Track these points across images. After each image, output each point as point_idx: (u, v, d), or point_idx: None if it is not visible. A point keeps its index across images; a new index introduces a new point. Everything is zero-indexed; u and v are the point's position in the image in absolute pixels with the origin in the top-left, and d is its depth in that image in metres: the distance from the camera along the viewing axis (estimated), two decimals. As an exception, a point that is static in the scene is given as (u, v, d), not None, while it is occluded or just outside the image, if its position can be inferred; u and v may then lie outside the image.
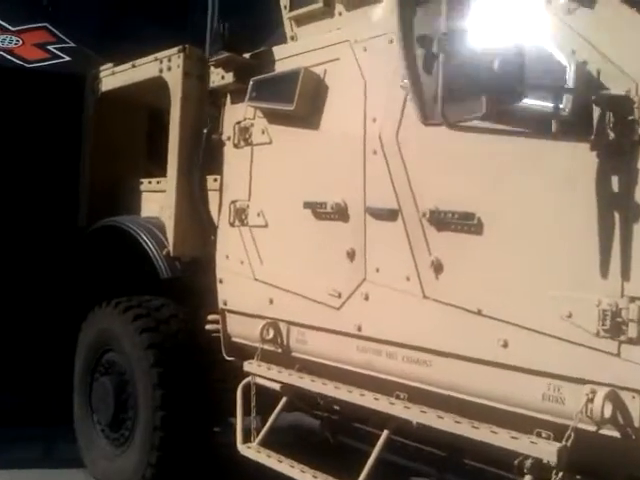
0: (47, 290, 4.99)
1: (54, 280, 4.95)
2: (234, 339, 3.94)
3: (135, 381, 4.13)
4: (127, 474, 4.09)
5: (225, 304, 3.92)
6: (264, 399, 3.69)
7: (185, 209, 4.05)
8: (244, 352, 3.92)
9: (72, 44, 5.94)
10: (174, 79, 4.11)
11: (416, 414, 2.85)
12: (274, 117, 3.64)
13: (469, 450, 2.97)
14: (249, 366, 3.55)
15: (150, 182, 4.73)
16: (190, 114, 4.05)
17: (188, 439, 3.94)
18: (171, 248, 4.04)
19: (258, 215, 3.71)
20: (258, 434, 3.45)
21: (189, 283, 4.19)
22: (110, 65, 4.73)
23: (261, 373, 3.48)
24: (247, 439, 3.45)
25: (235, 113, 3.91)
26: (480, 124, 2.39)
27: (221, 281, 3.95)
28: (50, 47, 5.90)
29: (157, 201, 4.50)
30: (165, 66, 4.17)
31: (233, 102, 3.95)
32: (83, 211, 4.95)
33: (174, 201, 4.03)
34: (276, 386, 3.59)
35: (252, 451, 3.32)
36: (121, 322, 4.23)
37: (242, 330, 3.83)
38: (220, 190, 4.01)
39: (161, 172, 5.11)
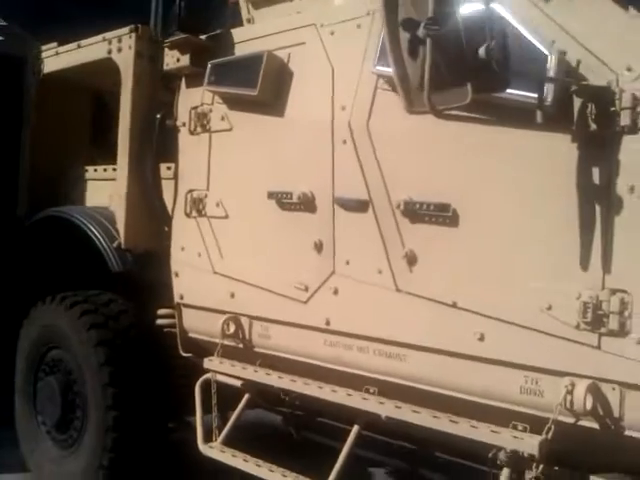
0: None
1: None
2: (191, 335, 3.77)
3: (84, 380, 3.91)
4: (76, 477, 3.89)
5: (181, 298, 3.75)
6: (222, 396, 3.57)
7: (137, 199, 3.84)
8: (201, 348, 3.77)
9: (3, 23, 5.58)
10: (125, 61, 3.88)
11: (391, 409, 2.78)
12: (235, 103, 3.48)
13: (438, 443, 2.95)
14: (210, 363, 3.40)
15: (96, 170, 4.48)
16: (142, 98, 3.84)
17: (142, 439, 3.77)
18: (122, 240, 3.83)
19: (217, 205, 3.55)
20: (220, 433, 3.33)
21: (139, 277, 4.00)
22: (54, 45, 4.43)
23: (224, 370, 3.34)
24: (209, 438, 3.31)
25: (191, 98, 3.72)
26: (463, 112, 2.33)
27: (177, 274, 3.77)
28: None
29: (105, 190, 4.26)
30: (115, 47, 3.94)
31: (188, 86, 3.76)
32: (23, 200, 4.65)
33: (125, 190, 3.82)
34: (237, 383, 3.47)
35: (215, 451, 3.19)
36: (67, 318, 3.99)
37: (200, 325, 3.68)
38: (175, 179, 3.82)
39: (106, 159, 4.89)
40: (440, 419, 2.54)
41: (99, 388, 3.77)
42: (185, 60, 3.66)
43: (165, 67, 3.79)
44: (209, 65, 3.51)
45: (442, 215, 2.62)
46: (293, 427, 3.46)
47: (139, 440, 3.76)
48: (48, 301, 4.19)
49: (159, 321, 4.09)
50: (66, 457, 4.02)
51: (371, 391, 2.93)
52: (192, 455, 3.46)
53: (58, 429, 4.07)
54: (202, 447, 3.26)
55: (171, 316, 4.11)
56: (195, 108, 3.69)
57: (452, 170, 2.61)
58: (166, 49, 3.76)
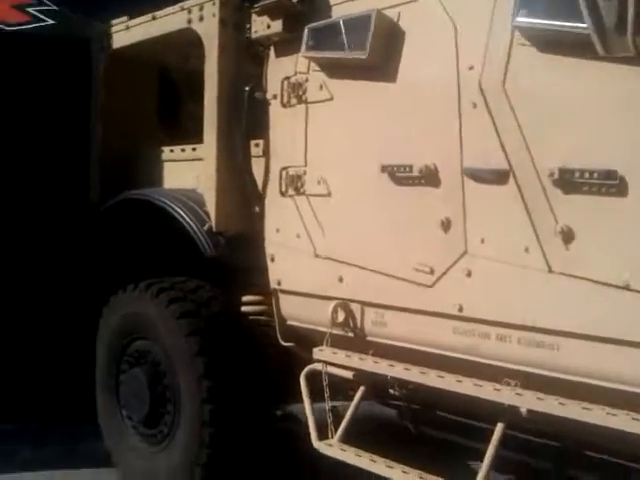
0: (60, 274, 4.47)
1: (68, 262, 4.43)
2: (290, 322, 3.52)
3: (174, 372, 3.68)
4: (172, 475, 3.67)
5: (278, 284, 3.49)
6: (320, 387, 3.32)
7: (227, 178, 3.58)
8: (300, 336, 3.53)
9: (53, 6, 5.34)
10: (209, 30, 3.59)
11: (533, 401, 2.50)
12: (336, 69, 3.18)
13: (587, 441, 2.66)
14: (321, 354, 3.14)
15: (172, 150, 4.22)
16: (229, 70, 3.55)
17: (241, 434, 3.54)
18: (213, 223, 3.57)
19: (318, 183, 3.27)
20: (335, 428, 3.07)
21: (229, 261, 3.75)
22: (124, 19, 4.16)
23: (338, 361, 3.08)
24: (323, 434, 3.07)
25: (282, 67, 3.44)
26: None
27: (272, 258, 3.51)
28: (30, 9, 5.29)
29: (182, 171, 4.01)
30: (196, 16, 3.65)
31: (279, 55, 3.47)
32: (95, 184, 4.42)
33: (215, 170, 3.55)
34: (348, 374, 3.22)
35: (335, 449, 2.92)
36: (154, 307, 3.76)
37: (301, 313, 3.42)
38: (265, 156, 3.55)
39: (174, 139, 4.66)
40: (617, 417, 2.24)
41: (193, 380, 3.54)
42: (277, 26, 3.36)
43: (253, 35, 3.50)
44: (306, 30, 3.21)
45: (607, 184, 2.29)
46: (410, 421, 3.20)
47: (238, 434, 3.53)
48: (130, 289, 3.96)
49: (245, 308, 3.86)
50: (156, 453, 3.81)
51: (512, 384, 2.65)
52: (296, 447, 3.24)
53: (146, 424, 3.85)
54: (318, 444, 3.00)
55: (258, 303, 3.89)
56: (288, 78, 3.40)
57: (621, 131, 2.28)
58: (254, 15, 3.47)
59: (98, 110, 4.42)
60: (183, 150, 4.11)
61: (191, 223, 3.59)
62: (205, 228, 3.57)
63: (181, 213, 3.64)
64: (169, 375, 3.74)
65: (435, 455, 2.89)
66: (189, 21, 3.69)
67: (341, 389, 3.46)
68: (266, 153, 3.53)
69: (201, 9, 3.63)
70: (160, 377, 3.80)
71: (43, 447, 4.53)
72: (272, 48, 3.51)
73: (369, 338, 3.15)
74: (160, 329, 3.75)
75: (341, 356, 3.07)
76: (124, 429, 4.05)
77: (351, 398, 3.27)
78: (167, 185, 4.19)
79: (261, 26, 3.42)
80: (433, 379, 2.80)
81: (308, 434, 3.16)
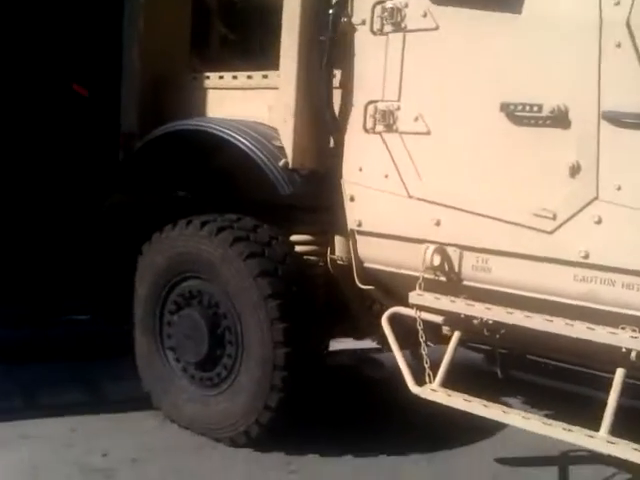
0: (94, 212, 4.13)
1: (102, 198, 4.11)
2: (368, 265, 3.39)
3: (237, 314, 3.50)
4: (232, 418, 3.53)
5: (359, 225, 3.33)
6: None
7: (306, 111, 3.32)
8: (377, 279, 3.41)
9: None
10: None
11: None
12: (446, -5, 2.96)
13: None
14: (419, 298, 3.03)
15: (222, 77, 3.88)
16: (313, -11, 3.25)
17: (316, 377, 3.44)
18: (290, 158, 3.33)
19: (416, 120, 3.08)
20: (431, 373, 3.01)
21: (296, 200, 3.53)
22: None
23: (439, 306, 2.98)
24: (419, 380, 3.00)
25: (374, -10, 3.18)
26: None
27: (352, 198, 3.33)
28: None
29: (243, 101, 3.71)
30: None
31: (371, -24, 3.20)
32: (131, 114, 4.02)
33: (293, 101, 3.27)
34: (438, 318, 3.14)
35: (439, 394, 2.86)
36: (213, 246, 3.52)
37: (385, 255, 3.28)
38: (347, 87, 3.31)
39: (207, 66, 4.33)
40: None
41: (263, 323, 3.39)
42: (378, -58, 3.08)
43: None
44: (414, -50, 2.96)
45: None
46: (498, 365, 3.18)
47: (311, 378, 3.44)
48: (182, 226, 3.68)
49: (299, 248, 3.70)
50: (213, 397, 3.64)
51: (631, 330, 2.65)
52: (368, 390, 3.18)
53: (200, 367, 3.68)
54: (417, 390, 2.94)
55: (312, 243, 3.73)
56: (381, 3, 3.15)
57: None
58: None
59: (135, 34, 3.98)
60: (234, 77, 3.79)
61: (264, 158, 3.34)
62: (280, 164, 3.34)
63: (251, 147, 3.37)
64: (230, 317, 3.55)
65: (532, 400, 2.90)
66: None
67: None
68: (349, 84, 3.28)
69: None
70: (218, 318, 3.63)
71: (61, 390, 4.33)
72: (361, -32, 3.23)
73: (466, 283, 3.07)
74: (221, 269, 3.52)
75: (445, 301, 2.98)
76: (170, 372, 3.84)
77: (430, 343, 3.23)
78: (217, 116, 3.88)
79: (357, -58, 3.13)
80: (546, 324, 2.77)
81: (388, 378, 3.12)
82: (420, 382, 3.01)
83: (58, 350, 4.85)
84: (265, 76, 3.60)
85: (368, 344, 4.25)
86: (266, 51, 4.68)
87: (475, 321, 3.06)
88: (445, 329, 3.22)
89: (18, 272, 5.29)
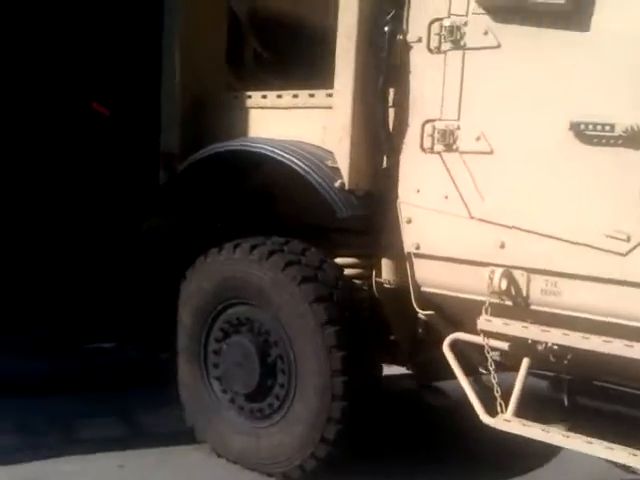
0: (128, 236, 4.04)
1: (134, 221, 4.02)
2: (425, 289, 3.29)
3: (290, 341, 3.40)
4: (286, 452, 3.40)
5: (417, 248, 3.22)
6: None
7: (362, 130, 3.23)
8: (435, 304, 3.30)
9: None
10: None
11: None
12: (508, 14, 2.88)
13: None
14: (488, 324, 2.93)
15: (265, 96, 3.80)
16: (369, 5, 3.16)
17: (375, 407, 3.32)
18: (346, 179, 3.24)
19: (477, 139, 2.99)
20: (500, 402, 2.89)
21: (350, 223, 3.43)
22: None
23: (510, 332, 2.87)
24: (491, 410, 2.89)
25: (430, 7, 3.09)
26: None
27: (409, 220, 3.24)
28: None
29: (288, 120, 3.62)
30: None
31: (427, -7, 3.12)
32: (173, 134, 3.94)
33: (350, 120, 3.19)
34: (504, 345, 3.03)
35: (514, 424, 2.74)
36: (264, 270, 3.42)
37: (445, 279, 3.18)
38: (403, 106, 3.23)
39: (243, 82, 4.27)
40: None
41: (320, 351, 3.28)
42: (431, -40, 3.01)
43: (397, -32, 3.13)
44: (476, -33, 2.89)
45: None
46: (564, 392, 3.07)
47: (371, 408, 3.32)
48: (229, 250, 3.58)
49: (350, 271, 3.60)
50: (264, 429, 3.51)
51: None
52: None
53: (250, 397, 3.56)
54: (490, 420, 2.81)
55: (357, 266, 3.64)
56: (438, 20, 3.07)
57: None
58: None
59: (176, 52, 3.90)
60: (279, 96, 3.71)
61: (320, 180, 3.24)
62: (337, 185, 3.24)
63: (306, 168, 3.27)
64: (282, 345, 3.45)
65: (604, 428, 2.78)
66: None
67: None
68: (404, 103, 3.19)
69: None
70: (269, 346, 3.52)
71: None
72: (416, -15, 3.16)
73: (534, 307, 2.95)
74: (272, 295, 3.43)
75: (516, 327, 2.87)
76: (216, 403, 3.73)
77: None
78: (260, 136, 3.79)
79: (415, -42, 3.06)
80: (626, 349, 2.66)
81: (454, 408, 3.02)
82: (490, 411, 2.91)
83: (85, 380, 4.74)
84: (312, 95, 3.53)
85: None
86: (301, 68, 4.65)
87: (540, 347, 2.97)
88: (494, 354, 3.09)
89: (36, 298, 5.22)
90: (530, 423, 2.76)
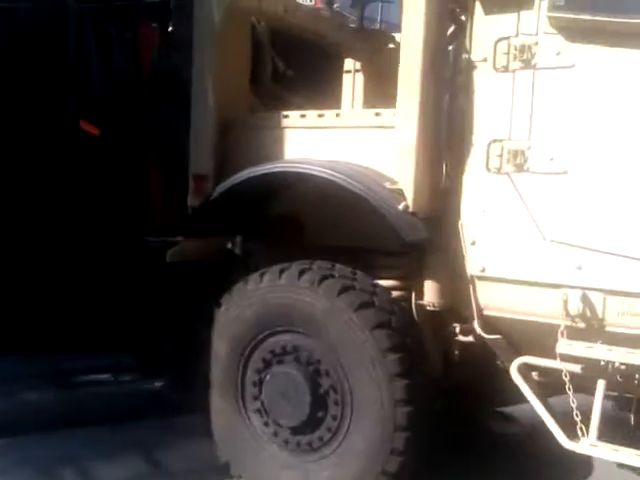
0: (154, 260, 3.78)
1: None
2: (489, 312, 3.19)
3: (344, 370, 3.22)
4: (342, 487, 3.22)
5: (483, 270, 3.13)
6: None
7: (426, 151, 3.13)
8: (498, 328, 3.21)
9: None
10: (409, -23, 3.09)
11: None
12: (584, 34, 2.87)
13: None
14: (568, 347, 2.85)
15: (304, 115, 3.65)
16: (434, 24, 3.08)
17: (441, 437, 3.18)
18: (410, 202, 3.12)
19: (551, 160, 2.95)
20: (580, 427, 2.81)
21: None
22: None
23: (592, 355, 2.80)
24: (571, 433, 2.80)
25: (496, 26, 3.04)
26: None
27: (474, 242, 3.14)
28: None
29: (323, 140, 3.48)
30: (387, -42, 3.14)
31: (490, 11, 3.07)
32: (205, 156, 3.71)
33: (415, 140, 3.08)
34: (576, 367, 2.97)
35: (602, 449, 2.67)
36: (317, 296, 3.25)
37: (515, 302, 3.08)
38: (465, 126, 3.15)
39: (264, 102, 4.14)
40: None
41: (382, 380, 3.12)
42: (501, -21, 2.97)
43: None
44: (553, -15, 2.87)
45: None
46: (633, 412, 3.02)
47: (435, 439, 3.17)
48: (273, 276, 3.39)
49: (396, 293, 3.48)
50: (314, 463, 3.32)
51: None
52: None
53: (297, 430, 3.34)
54: (573, 445, 2.73)
55: (397, 288, 3.52)
56: (505, 39, 3.03)
57: None
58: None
59: (209, 73, 3.69)
60: (320, 116, 3.55)
61: (382, 203, 3.11)
62: (400, 207, 3.12)
63: (365, 190, 3.13)
64: (335, 374, 3.26)
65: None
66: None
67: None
68: (468, 122, 3.13)
69: (397, -49, 3.13)
70: (319, 376, 3.32)
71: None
72: (477, 2, 3.10)
73: (610, 329, 2.90)
74: (325, 322, 3.25)
75: (600, 350, 2.81)
76: (255, 437, 3.49)
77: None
78: (298, 157, 3.62)
79: (476, -23, 3.01)
80: None
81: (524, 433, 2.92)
82: (570, 436, 2.83)
83: (92, 413, 4.42)
84: (337, 114, 3.43)
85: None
86: (320, 86, 4.56)
87: (612, 368, 2.92)
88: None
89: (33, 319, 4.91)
90: (620, 447, 2.69)
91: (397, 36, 4.89)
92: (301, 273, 3.34)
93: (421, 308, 3.44)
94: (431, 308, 3.40)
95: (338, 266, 3.42)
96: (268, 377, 3.43)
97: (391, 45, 4.82)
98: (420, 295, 3.45)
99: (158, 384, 4.21)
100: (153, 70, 4.14)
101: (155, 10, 5.79)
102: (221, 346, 3.56)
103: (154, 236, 5.32)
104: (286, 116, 3.70)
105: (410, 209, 3.13)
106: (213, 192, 3.65)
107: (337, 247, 3.61)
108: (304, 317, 3.32)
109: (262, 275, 3.46)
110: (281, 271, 3.40)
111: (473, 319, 3.19)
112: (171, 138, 4.12)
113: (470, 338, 3.46)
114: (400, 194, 3.14)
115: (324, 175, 3.23)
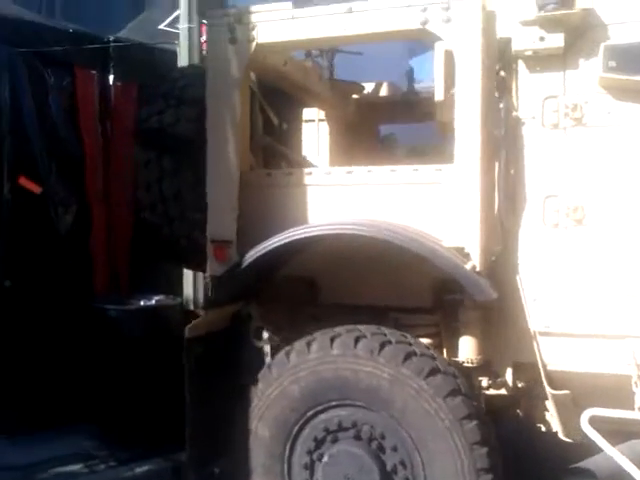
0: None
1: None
2: (554, 367, 3.15)
3: (415, 443, 3.03)
4: None
5: (547, 326, 3.11)
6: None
7: (488, 209, 3.07)
8: (565, 382, 3.18)
9: None
10: (462, 36, 3.03)
11: None
12: (634, 94, 2.98)
13: None
14: (649, 398, 2.88)
15: (330, 173, 3.45)
16: (488, 83, 3.05)
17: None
18: (478, 261, 3.02)
19: (608, 215, 3.02)
20: None
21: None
22: (288, 5, 3.27)
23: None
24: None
25: (543, 84, 3.10)
26: None
27: (535, 299, 3.12)
28: None
29: (358, 198, 3.31)
30: (437, 17, 3.06)
31: (535, 70, 3.12)
32: (226, 220, 3.37)
33: (479, 198, 3.01)
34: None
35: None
36: (379, 365, 3.04)
37: (583, 355, 3.09)
38: (520, 182, 3.14)
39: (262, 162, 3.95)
40: None
41: (462, 449, 2.94)
42: (555, 40, 3.01)
43: (516, 47, 3.08)
44: (604, 48, 2.96)
45: None
46: None
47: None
48: (321, 345, 3.13)
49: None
50: None
51: None
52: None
53: (361, 513, 3.08)
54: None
55: (433, 346, 3.44)
56: (553, 97, 3.09)
57: None
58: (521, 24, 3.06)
59: (230, 130, 3.38)
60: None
61: (449, 262, 2.99)
62: (469, 267, 3.01)
63: (432, 251, 3.00)
64: (403, 448, 3.06)
65: None
66: (424, 22, 3.09)
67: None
68: (522, 178, 3.14)
69: (447, 9, 3.06)
70: (384, 452, 3.09)
71: None
72: (520, 62, 3.15)
73: (683, 378, 3.00)
74: (390, 393, 3.04)
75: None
76: (308, 523, 3.19)
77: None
78: (313, 216, 3.37)
79: (530, 37, 3.04)
80: None
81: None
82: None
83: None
84: (347, 172, 3.34)
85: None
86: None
87: None
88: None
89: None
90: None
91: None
92: (356, 341, 3.13)
93: (457, 365, 3.36)
94: (468, 365, 3.34)
95: (388, 330, 3.25)
96: (326, 458, 3.15)
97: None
98: (453, 352, 3.40)
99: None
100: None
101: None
102: (262, 428, 3.22)
103: (99, 298, 4.90)
104: (310, 173, 3.51)
105: (478, 268, 3.05)
106: (240, 258, 3.35)
107: (355, 306, 3.48)
108: (364, 388, 3.08)
109: (308, 345, 3.19)
110: (332, 339, 3.16)
111: (539, 375, 3.15)
112: (167, 201, 3.73)
113: (502, 391, 3.45)
114: (461, 253, 3.06)
115: (384, 237, 3.05)
